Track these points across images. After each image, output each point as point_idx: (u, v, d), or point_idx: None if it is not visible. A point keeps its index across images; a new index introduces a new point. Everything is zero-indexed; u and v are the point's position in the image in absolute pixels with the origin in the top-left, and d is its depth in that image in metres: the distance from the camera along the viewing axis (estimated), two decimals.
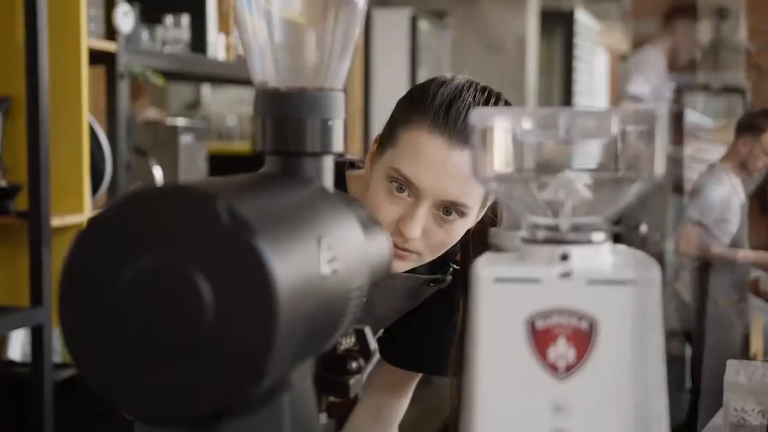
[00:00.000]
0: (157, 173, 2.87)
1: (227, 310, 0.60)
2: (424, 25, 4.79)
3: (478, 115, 0.71)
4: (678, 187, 4.38)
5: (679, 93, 4.64)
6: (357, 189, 1.35)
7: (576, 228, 0.71)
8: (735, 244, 4.31)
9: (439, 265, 1.40)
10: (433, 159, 1.22)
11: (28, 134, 2.35)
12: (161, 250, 0.61)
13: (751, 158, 4.37)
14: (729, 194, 4.29)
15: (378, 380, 1.47)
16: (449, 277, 1.41)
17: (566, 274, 0.68)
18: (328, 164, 0.82)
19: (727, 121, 7.88)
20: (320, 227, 0.70)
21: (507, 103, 1.29)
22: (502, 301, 0.69)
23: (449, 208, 1.25)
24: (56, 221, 2.39)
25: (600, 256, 0.70)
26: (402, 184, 1.24)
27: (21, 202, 2.38)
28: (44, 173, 2.34)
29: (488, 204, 1.33)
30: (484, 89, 1.27)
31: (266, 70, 0.82)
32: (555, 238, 0.70)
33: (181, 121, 3.13)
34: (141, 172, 2.88)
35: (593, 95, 8.26)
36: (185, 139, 3.00)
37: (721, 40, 9.15)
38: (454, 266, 1.42)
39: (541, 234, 0.71)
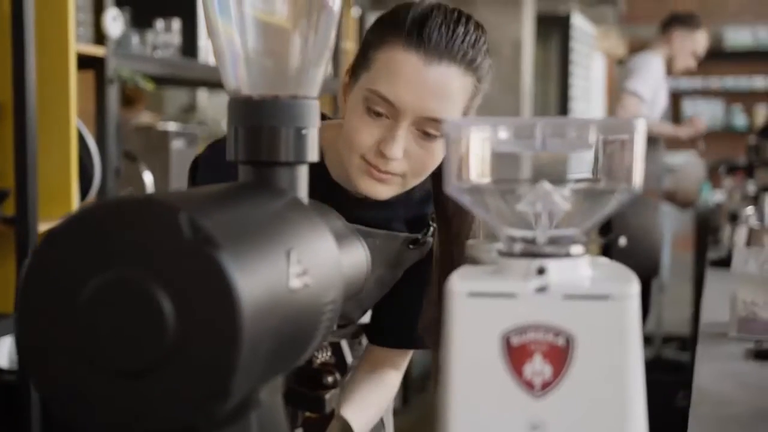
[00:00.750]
0: (148, 179, 2.85)
1: (189, 327, 0.58)
2: None
3: (452, 125, 0.69)
4: None
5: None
6: (329, 137, 1.33)
7: (553, 241, 0.69)
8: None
9: (418, 226, 1.40)
10: (410, 75, 1.21)
11: (15, 139, 2.33)
12: (121, 265, 0.59)
13: (680, 55, 4.51)
14: (660, 78, 4.47)
15: (371, 356, 1.45)
16: (430, 239, 1.40)
17: (542, 289, 0.66)
18: (303, 173, 0.80)
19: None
20: (290, 240, 0.68)
21: (478, 26, 1.27)
22: (476, 316, 0.67)
23: (428, 131, 1.23)
24: (44, 227, 2.37)
25: (578, 269, 0.68)
26: (379, 105, 1.22)
27: (8, 208, 2.36)
28: (32, 178, 2.31)
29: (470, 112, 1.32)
30: (454, 10, 1.26)
31: (239, 78, 0.80)
32: (532, 251, 0.68)
33: (172, 126, 3.11)
34: (131, 177, 2.86)
35: (590, 99, 8.24)
36: (177, 144, 2.98)
37: None
38: (433, 226, 1.40)
39: (517, 247, 0.69)
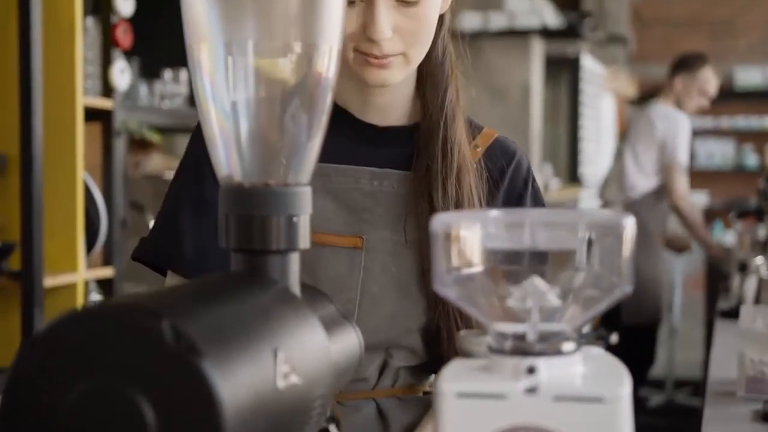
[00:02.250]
0: None
1: None
2: None
3: (440, 220, 0.69)
4: None
5: None
6: None
7: (544, 337, 0.68)
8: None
9: None
10: None
11: (21, 193, 2.33)
12: (104, 372, 0.59)
13: (687, 97, 4.50)
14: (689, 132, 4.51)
15: None
16: None
17: (532, 390, 0.65)
18: (294, 261, 0.80)
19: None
20: (278, 337, 0.68)
21: None
22: (466, 417, 0.66)
23: None
24: (49, 281, 2.37)
25: (569, 367, 0.67)
26: None
27: (14, 262, 2.36)
28: (37, 233, 2.32)
29: None
30: None
31: (231, 165, 0.80)
32: (522, 349, 0.68)
33: None
34: (138, 227, 2.86)
35: (600, 140, 8.24)
36: None
37: None
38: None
39: (507, 344, 0.68)
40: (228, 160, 0.80)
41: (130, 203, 2.88)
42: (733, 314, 2.88)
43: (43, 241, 2.35)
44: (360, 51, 1.17)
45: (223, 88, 0.79)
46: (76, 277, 2.48)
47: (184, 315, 0.60)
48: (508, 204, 1.28)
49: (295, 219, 0.78)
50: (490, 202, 1.26)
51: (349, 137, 1.27)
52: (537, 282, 0.69)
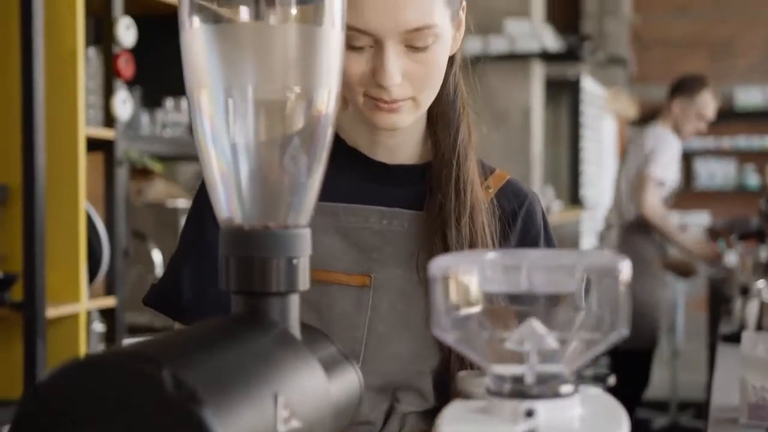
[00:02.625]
0: (157, 257, 2.86)
1: None
2: None
3: (437, 265, 0.69)
4: None
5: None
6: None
7: (542, 379, 0.69)
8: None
9: None
10: None
11: (24, 223, 2.34)
12: (105, 420, 0.59)
13: (685, 121, 4.48)
14: (677, 152, 4.49)
15: None
16: None
17: None
18: (294, 303, 0.80)
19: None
20: (278, 382, 0.68)
21: None
22: None
23: (416, 44, 1.14)
24: (51, 311, 2.37)
25: (567, 410, 0.68)
26: (357, 39, 1.14)
27: (16, 293, 2.37)
28: (39, 264, 2.32)
29: (462, 13, 1.23)
30: None
31: (231, 208, 0.81)
32: (520, 392, 0.68)
33: (182, 203, 3.13)
34: (140, 256, 2.87)
35: (601, 162, 8.26)
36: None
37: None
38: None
39: (506, 387, 0.69)
40: (228, 203, 0.81)
41: (132, 232, 2.89)
42: (735, 338, 2.88)
43: (45, 272, 2.35)
44: (369, 96, 1.17)
45: (223, 131, 0.80)
46: (79, 307, 2.49)
47: (184, 362, 0.61)
48: (522, 247, 1.26)
49: (294, 261, 0.79)
50: (503, 243, 1.25)
51: (359, 176, 1.27)
52: (535, 324, 0.69)
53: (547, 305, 0.71)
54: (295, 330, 0.80)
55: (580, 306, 0.69)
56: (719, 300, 4.62)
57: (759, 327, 2.90)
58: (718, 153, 10.00)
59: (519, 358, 0.70)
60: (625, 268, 0.67)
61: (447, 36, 1.18)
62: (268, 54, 0.78)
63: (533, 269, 0.69)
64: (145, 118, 2.92)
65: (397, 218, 1.24)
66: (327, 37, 0.79)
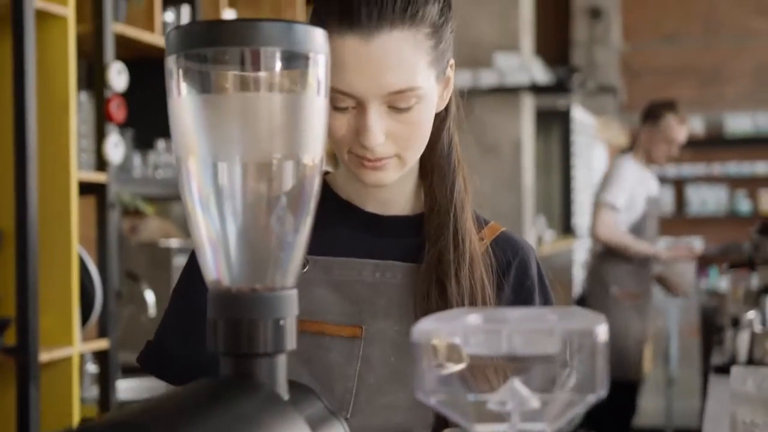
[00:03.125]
0: (150, 298, 2.87)
1: None
2: None
3: (420, 331, 0.71)
4: None
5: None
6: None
7: None
8: (636, 234, 4.50)
9: None
10: (353, 59, 1.12)
11: (17, 268, 2.36)
12: None
13: (653, 147, 4.45)
14: (636, 181, 4.41)
15: None
16: None
17: None
18: (282, 362, 0.82)
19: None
20: None
21: None
22: None
23: (399, 105, 1.14)
24: (45, 356, 2.38)
25: None
26: (340, 100, 1.14)
27: (9, 337, 2.38)
28: (33, 308, 2.33)
29: (450, 71, 1.23)
30: None
31: (219, 270, 0.82)
32: None
33: (175, 243, 3.14)
34: (133, 297, 2.88)
35: (592, 190, 8.28)
36: (179, 261, 3.00)
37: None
38: None
39: None
40: (216, 266, 0.82)
41: (125, 273, 2.90)
42: (726, 369, 2.89)
43: (38, 316, 2.36)
44: (354, 153, 1.18)
45: (210, 196, 0.81)
46: (72, 350, 2.49)
47: (171, 429, 0.63)
48: (516, 300, 1.27)
49: (282, 322, 0.81)
50: (498, 294, 1.26)
51: (352, 228, 1.28)
52: (517, 385, 0.71)
53: (529, 366, 0.73)
54: (283, 390, 0.81)
55: (560, 368, 0.71)
56: (711, 328, 4.64)
57: (750, 358, 2.92)
58: (710, 179, 10.06)
59: (501, 417, 0.71)
60: (602, 331, 0.69)
61: (432, 95, 1.18)
62: (255, 122, 0.80)
63: (514, 332, 0.71)
64: (137, 159, 2.94)
65: (390, 270, 1.25)
66: (311, 105, 0.82)
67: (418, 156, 1.21)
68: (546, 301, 1.31)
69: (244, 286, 0.81)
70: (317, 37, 0.81)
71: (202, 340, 1.18)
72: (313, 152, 0.83)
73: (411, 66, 1.14)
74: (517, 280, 1.29)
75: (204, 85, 0.80)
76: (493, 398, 0.71)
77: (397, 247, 1.27)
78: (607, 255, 4.45)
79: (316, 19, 1.17)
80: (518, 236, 1.34)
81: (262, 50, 0.78)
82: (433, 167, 1.27)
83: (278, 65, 0.79)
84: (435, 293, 1.22)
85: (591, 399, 0.70)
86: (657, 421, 5.53)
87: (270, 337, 0.80)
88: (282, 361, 0.81)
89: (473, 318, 0.73)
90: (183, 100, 0.80)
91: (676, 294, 5.02)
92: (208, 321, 0.82)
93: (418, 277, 1.23)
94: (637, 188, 4.45)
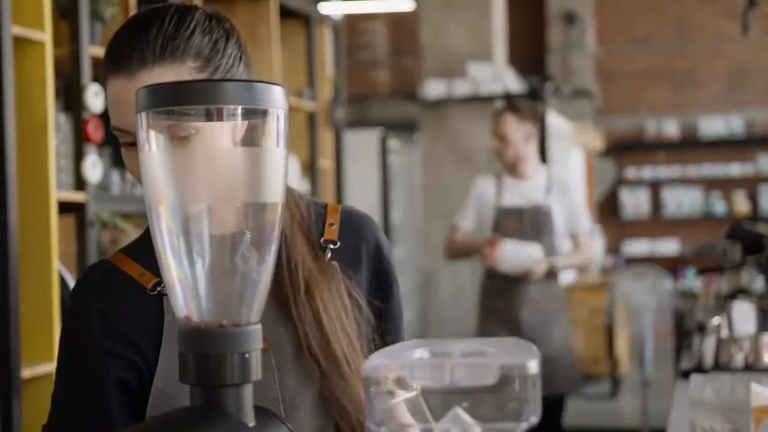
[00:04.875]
0: None
1: None
2: (393, 143, 4.91)
3: (370, 365, 0.78)
4: None
5: None
6: None
7: None
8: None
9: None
10: (123, 97, 1.19)
11: None
12: None
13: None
14: (479, 196, 4.16)
15: None
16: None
17: None
18: (248, 392, 0.89)
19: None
20: None
21: (174, 14, 1.21)
22: None
23: (181, 134, 1.11)
24: (27, 372, 2.44)
25: None
26: (124, 137, 1.21)
27: None
28: (14, 326, 2.39)
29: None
30: (146, 13, 1.22)
31: (188, 307, 0.89)
32: None
33: None
34: None
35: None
36: None
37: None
38: (331, 246, 1.33)
39: None
40: (185, 303, 0.89)
41: None
42: (692, 374, 2.97)
43: (20, 333, 2.42)
44: None
45: (179, 240, 0.89)
46: (53, 366, 2.55)
47: None
48: (375, 276, 1.35)
49: (247, 355, 0.88)
50: (355, 275, 1.32)
51: None
52: (460, 413, 0.79)
53: (470, 396, 0.80)
54: (249, 417, 0.88)
55: (498, 397, 0.78)
56: (683, 331, 4.72)
57: (716, 363, 3.00)
58: (685, 181, 10.18)
59: None
60: (534, 364, 0.77)
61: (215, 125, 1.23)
62: (219, 172, 0.88)
63: (456, 366, 0.78)
64: (115, 177, 3.00)
65: None
66: (271, 155, 0.89)
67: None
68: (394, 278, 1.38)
69: (212, 322, 0.89)
70: (275, 94, 0.88)
71: (97, 407, 1.20)
72: (275, 195, 0.90)
73: None
74: (372, 257, 1.35)
75: (171, 140, 0.87)
76: (438, 426, 0.78)
77: None
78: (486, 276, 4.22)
79: (101, 70, 1.25)
80: (359, 211, 1.39)
81: (224, 108, 0.85)
82: None
83: (240, 120, 0.86)
84: (287, 317, 1.27)
85: (523, 426, 0.77)
86: (633, 422, 5.62)
87: (237, 369, 0.87)
88: (248, 390, 0.89)
89: (419, 354, 0.81)
90: (153, 154, 0.87)
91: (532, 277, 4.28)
92: (179, 355, 0.89)
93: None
94: (484, 201, 4.18)
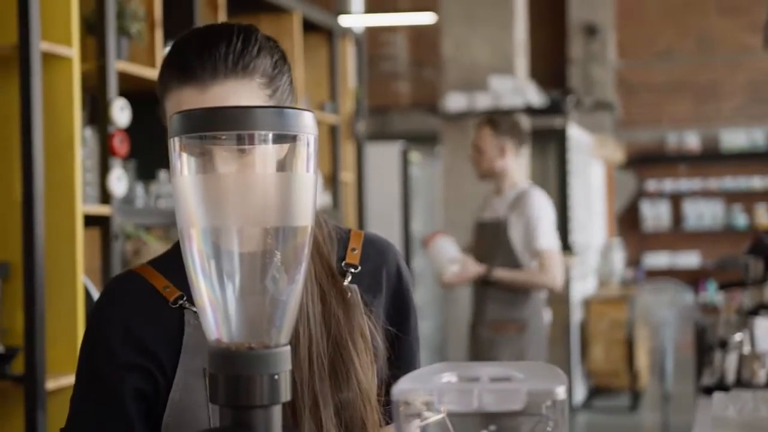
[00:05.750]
0: None
1: None
2: (415, 155, 4.92)
3: (399, 390, 0.80)
4: None
5: None
6: None
7: None
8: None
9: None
10: (192, 106, 1.19)
11: (24, 300, 2.44)
12: None
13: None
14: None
15: None
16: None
17: None
18: (277, 413, 0.90)
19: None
20: None
21: (240, 32, 1.24)
22: None
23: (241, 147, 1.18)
24: (51, 384, 2.46)
25: None
26: None
27: (17, 366, 2.46)
28: (40, 337, 2.42)
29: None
30: (209, 28, 1.25)
31: (219, 330, 0.91)
32: None
33: None
34: None
35: (591, 206, 8.37)
36: None
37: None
38: (352, 269, 1.34)
39: None
40: (216, 325, 0.91)
41: None
42: (714, 391, 2.96)
43: (45, 345, 2.44)
44: None
45: (210, 263, 0.90)
46: None
47: None
48: (393, 303, 1.35)
49: (276, 377, 0.89)
50: (374, 300, 1.33)
51: None
52: None
53: (499, 420, 0.81)
54: None
55: (526, 422, 0.79)
56: (704, 346, 4.70)
57: (738, 379, 2.98)
58: (706, 194, 10.14)
59: None
60: (561, 391, 0.78)
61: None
62: (250, 197, 0.89)
63: (484, 391, 0.79)
64: (140, 190, 3.02)
65: None
66: (302, 179, 0.90)
67: None
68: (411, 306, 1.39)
69: (242, 343, 0.90)
70: (305, 119, 0.89)
71: (114, 415, 1.21)
72: (304, 219, 0.91)
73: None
74: (392, 284, 1.36)
75: (204, 165, 0.89)
76: None
77: None
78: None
79: (160, 80, 1.25)
80: (382, 237, 1.40)
81: (256, 134, 0.87)
82: None
83: (270, 146, 0.88)
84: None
85: None
86: None
87: (266, 390, 0.88)
88: (277, 411, 0.90)
89: (447, 378, 0.82)
90: (185, 178, 0.88)
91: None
92: (210, 376, 0.90)
93: None
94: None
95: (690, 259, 10.23)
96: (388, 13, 7.10)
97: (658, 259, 10.20)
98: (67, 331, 2.55)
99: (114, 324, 1.28)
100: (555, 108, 5.95)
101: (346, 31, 4.69)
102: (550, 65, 9.47)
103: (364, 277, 1.34)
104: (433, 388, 0.79)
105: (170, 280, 1.30)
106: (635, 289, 7.77)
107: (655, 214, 10.27)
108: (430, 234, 4.17)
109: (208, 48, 1.22)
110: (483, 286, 4.00)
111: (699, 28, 10.00)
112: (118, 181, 2.75)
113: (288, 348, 0.91)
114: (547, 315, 4.21)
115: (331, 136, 4.48)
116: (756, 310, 3.77)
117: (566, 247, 7.36)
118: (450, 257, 3.94)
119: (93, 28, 2.79)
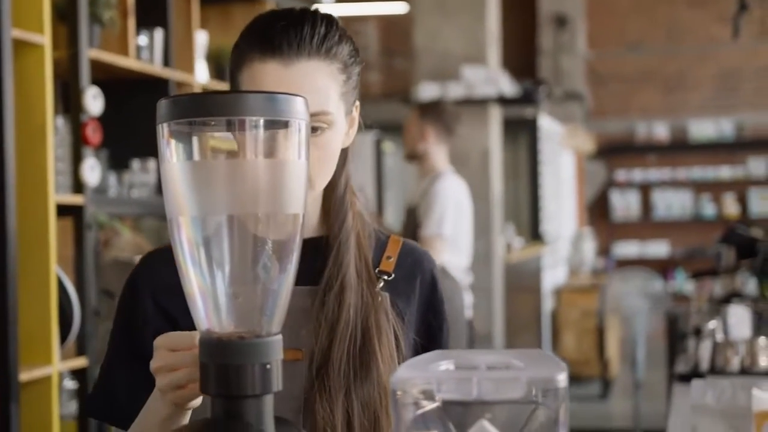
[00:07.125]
0: None
1: None
2: (388, 146, 4.90)
3: (397, 377, 0.78)
4: None
5: None
6: None
7: None
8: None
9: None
10: (273, 81, 1.21)
11: None
12: None
13: None
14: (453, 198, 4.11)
15: None
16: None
17: None
18: (269, 402, 0.89)
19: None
20: None
21: (323, 18, 1.26)
22: None
23: (312, 125, 1.17)
24: (25, 375, 2.43)
25: None
26: None
27: None
28: (12, 330, 2.38)
29: (355, 111, 1.30)
30: (292, 10, 1.27)
31: (209, 320, 0.89)
32: None
33: None
34: (110, 313, 2.92)
35: (560, 196, 8.41)
36: None
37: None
38: (385, 277, 1.33)
39: None
40: (206, 316, 0.89)
41: (101, 290, 2.95)
42: (689, 378, 2.97)
43: (18, 336, 2.41)
44: None
45: (200, 251, 0.88)
46: (51, 369, 2.54)
47: None
48: (425, 313, 1.35)
49: (268, 366, 0.88)
50: (406, 308, 1.32)
51: None
52: (486, 425, 0.79)
53: (497, 408, 0.80)
54: (270, 428, 0.88)
55: (525, 410, 0.78)
56: (677, 332, 4.73)
57: (712, 367, 3.00)
58: (675, 184, 10.21)
59: None
60: (561, 378, 0.77)
61: (341, 126, 1.26)
62: (241, 184, 0.88)
63: (483, 379, 0.78)
64: (112, 179, 2.99)
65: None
66: (292, 166, 0.89)
67: (326, 182, 1.27)
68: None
69: (233, 332, 0.88)
70: (297, 105, 0.88)
71: (142, 380, 1.21)
72: (295, 206, 0.90)
73: (325, 92, 1.23)
74: (426, 294, 1.36)
75: (192, 151, 0.87)
76: None
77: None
78: None
79: (237, 52, 1.26)
80: (417, 246, 1.39)
81: (246, 119, 0.85)
82: (331, 205, 1.32)
83: (261, 132, 0.86)
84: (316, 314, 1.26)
85: None
86: (625, 424, 5.63)
87: (257, 380, 0.87)
88: (269, 401, 0.88)
89: (445, 366, 0.81)
90: (173, 165, 0.87)
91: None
92: (201, 365, 0.88)
93: (317, 300, 1.27)
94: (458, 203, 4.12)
95: (659, 249, 10.30)
96: (359, 2, 7.07)
97: (627, 249, 10.26)
98: (41, 321, 2.52)
99: (144, 294, 1.29)
100: (527, 98, 5.95)
101: None
102: (521, 55, 9.48)
103: (397, 284, 1.33)
104: (432, 376, 0.78)
105: None
106: (605, 278, 7.81)
107: (624, 204, 10.32)
108: None
109: (294, 27, 1.23)
110: None
111: (668, 19, 10.05)
112: (91, 170, 2.71)
113: (279, 337, 0.90)
114: (468, 298, 4.09)
115: None
116: (728, 298, 3.80)
117: (537, 236, 7.39)
118: None
119: (65, 15, 2.75)
